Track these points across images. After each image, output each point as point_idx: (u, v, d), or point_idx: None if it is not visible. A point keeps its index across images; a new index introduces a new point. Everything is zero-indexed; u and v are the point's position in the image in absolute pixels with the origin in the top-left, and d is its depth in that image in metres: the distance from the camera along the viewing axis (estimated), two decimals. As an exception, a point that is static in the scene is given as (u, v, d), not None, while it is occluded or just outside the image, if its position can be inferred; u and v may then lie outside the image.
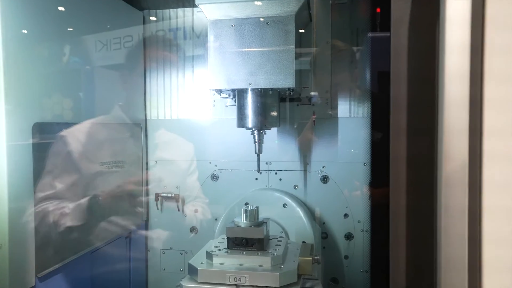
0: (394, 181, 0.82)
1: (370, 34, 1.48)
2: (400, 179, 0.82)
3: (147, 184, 1.68)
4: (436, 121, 0.76)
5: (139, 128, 1.67)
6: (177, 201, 1.65)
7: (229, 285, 1.14)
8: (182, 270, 1.65)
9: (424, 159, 0.80)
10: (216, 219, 1.62)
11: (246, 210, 1.28)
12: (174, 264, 1.69)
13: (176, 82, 1.70)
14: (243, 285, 1.13)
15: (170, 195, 1.66)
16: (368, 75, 1.54)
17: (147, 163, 1.69)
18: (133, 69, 1.66)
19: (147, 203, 1.68)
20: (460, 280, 0.68)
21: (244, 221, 1.26)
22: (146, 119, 1.71)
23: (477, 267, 0.69)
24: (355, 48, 1.56)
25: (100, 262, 1.45)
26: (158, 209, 1.67)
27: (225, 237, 1.29)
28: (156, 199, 1.66)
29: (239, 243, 1.24)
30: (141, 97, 1.70)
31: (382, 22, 1.37)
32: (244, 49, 1.30)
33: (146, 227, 1.69)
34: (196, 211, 1.66)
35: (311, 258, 1.22)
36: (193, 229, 1.68)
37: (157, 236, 1.70)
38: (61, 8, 1.27)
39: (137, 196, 1.63)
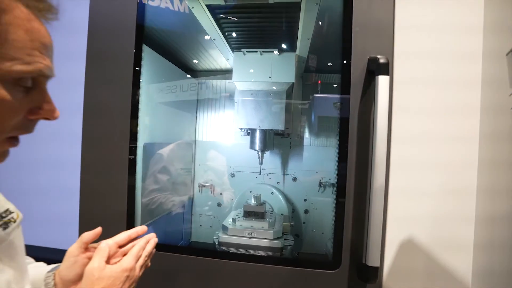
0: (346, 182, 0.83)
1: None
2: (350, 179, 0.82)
3: (193, 177, 1.75)
4: (371, 152, 0.81)
5: (191, 145, 1.75)
6: (211, 188, 1.70)
7: (245, 236, 1.21)
8: (211, 227, 1.68)
9: (363, 167, 0.83)
10: (232, 199, 1.68)
11: (255, 196, 1.39)
12: (207, 223, 1.72)
13: (213, 120, 1.76)
14: (253, 237, 1.22)
15: (207, 184, 1.70)
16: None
17: (194, 166, 1.75)
18: (190, 112, 1.74)
19: (193, 188, 1.73)
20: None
21: (254, 202, 1.38)
22: (195, 140, 1.77)
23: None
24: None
25: (170, 219, 1.52)
26: (199, 192, 1.71)
27: (241, 210, 1.39)
28: (199, 186, 1.70)
29: (250, 214, 1.33)
30: (193, 127, 1.77)
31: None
32: (256, 107, 1.42)
33: (192, 201, 1.74)
34: (221, 194, 1.71)
35: (289, 224, 1.35)
36: (219, 204, 1.73)
37: (198, 206, 1.75)
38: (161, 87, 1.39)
39: (189, 184, 1.71)
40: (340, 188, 0.82)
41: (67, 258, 0.57)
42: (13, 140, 0.41)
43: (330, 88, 1.62)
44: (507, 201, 0.67)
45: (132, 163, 0.96)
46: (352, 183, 0.79)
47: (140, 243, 0.57)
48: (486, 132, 0.77)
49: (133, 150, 0.95)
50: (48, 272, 0.57)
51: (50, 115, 0.42)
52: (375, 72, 0.72)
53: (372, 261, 0.71)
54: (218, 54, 1.54)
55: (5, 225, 0.45)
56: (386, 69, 0.71)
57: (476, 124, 0.78)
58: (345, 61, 0.81)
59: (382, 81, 0.70)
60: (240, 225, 1.29)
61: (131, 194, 1.01)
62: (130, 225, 0.99)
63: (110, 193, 0.96)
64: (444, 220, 0.77)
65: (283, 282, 0.83)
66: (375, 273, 0.72)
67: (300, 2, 0.99)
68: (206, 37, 1.35)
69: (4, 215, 0.45)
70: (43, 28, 0.38)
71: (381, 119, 0.69)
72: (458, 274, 0.76)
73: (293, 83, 1.41)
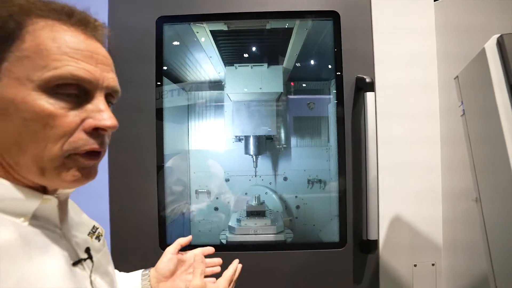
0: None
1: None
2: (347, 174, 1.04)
3: (190, 185, 1.82)
4: (364, 152, 1.06)
5: (186, 154, 1.83)
6: (207, 193, 1.79)
7: (251, 234, 1.34)
8: (210, 231, 1.75)
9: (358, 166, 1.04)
10: (228, 202, 1.77)
11: (255, 197, 1.54)
12: (205, 227, 1.79)
13: (204, 129, 1.85)
14: (258, 234, 1.34)
15: (203, 190, 1.78)
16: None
17: (189, 174, 1.82)
18: (183, 123, 1.82)
19: (190, 195, 1.80)
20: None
21: (255, 202, 1.53)
22: (189, 149, 1.85)
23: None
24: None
25: (171, 226, 1.58)
26: (196, 198, 1.79)
27: (242, 211, 1.51)
28: (196, 193, 1.79)
29: (253, 213, 1.45)
30: (186, 137, 1.86)
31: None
32: (250, 115, 1.58)
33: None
34: (217, 198, 1.80)
35: (289, 219, 1.52)
36: (216, 208, 1.80)
37: (196, 212, 1.82)
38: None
39: (186, 191, 1.78)
40: (341, 182, 1.02)
41: (165, 255, 0.68)
42: (84, 157, 0.39)
43: (310, 92, 1.83)
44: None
45: (160, 179, 1.06)
46: (350, 177, 0.99)
47: (233, 266, 0.65)
48: (444, 111, 1.00)
49: (160, 168, 1.04)
50: (144, 271, 0.67)
51: (100, 123, 0.38)
52: (363, 89, 0.94)
53: (372, 236, 0.91)
54: (210, 67, 1.67)
55: (98, 238, 0.54)
56: (372, 86, 0.92)
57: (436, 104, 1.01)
58: (338, 77, 1.02)
59: (369, 96, 0.92)
60: (245, 224, 1.41)
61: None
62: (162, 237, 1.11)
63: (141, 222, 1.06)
64: (421, 198, 1.01)
65: (301, 263, 1.00)
66: (374, 245, 0.93)
67: (293, 28, 1.17)
68: (175, 43, 1.41)
69: (94, 230, 0.54)
70: (79, 37, 0.39)
71: (370, 124, 0.90)
72: (432, 243, 0.99)
73: (281, 92, 1.59)
